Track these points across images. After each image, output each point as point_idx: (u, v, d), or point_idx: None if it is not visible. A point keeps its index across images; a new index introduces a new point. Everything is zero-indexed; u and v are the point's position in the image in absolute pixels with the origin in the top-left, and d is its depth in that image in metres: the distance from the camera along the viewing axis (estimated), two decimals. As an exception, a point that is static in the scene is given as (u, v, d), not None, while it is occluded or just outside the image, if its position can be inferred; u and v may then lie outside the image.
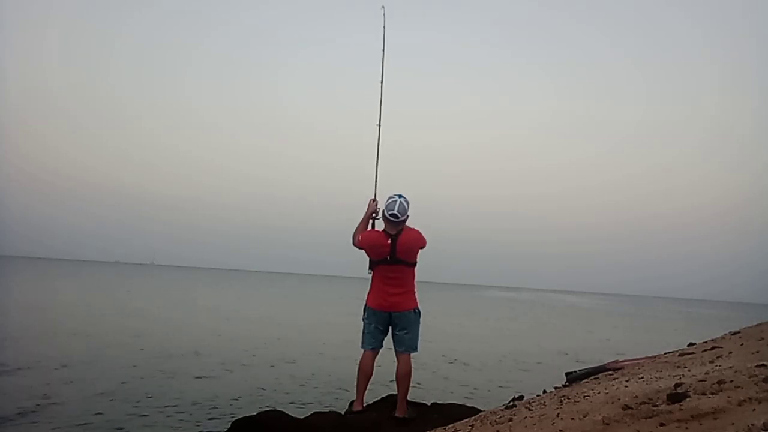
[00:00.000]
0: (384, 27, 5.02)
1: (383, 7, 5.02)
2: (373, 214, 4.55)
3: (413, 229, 4.39)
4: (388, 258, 4.29)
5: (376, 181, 4.68)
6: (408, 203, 4.37)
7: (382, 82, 4.90)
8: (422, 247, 4.41)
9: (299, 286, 59.39)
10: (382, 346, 4.44)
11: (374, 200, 4.60)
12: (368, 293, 4.44)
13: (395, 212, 4.28)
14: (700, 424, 1.96)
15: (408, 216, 4.38)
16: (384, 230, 4.39)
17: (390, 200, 4.34)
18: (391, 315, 4.34)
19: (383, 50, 4.95)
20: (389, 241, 4.29)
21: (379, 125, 4.79)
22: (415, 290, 4.44)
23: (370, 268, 4.39)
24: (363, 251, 4.41)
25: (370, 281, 4.43)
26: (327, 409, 4.52)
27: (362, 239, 4.41)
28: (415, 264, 4.39)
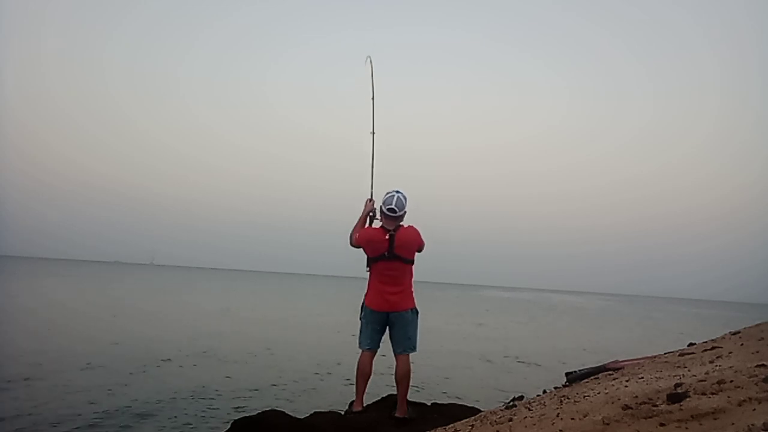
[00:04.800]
0: (372, 76, 4.88)
1: (369, 57, 4.89)
2: (370, 213, 4.56)
3: (412, 227, 4.39)
4: (386, 254, 4.29)
5: (372, 181, 4.69)
6: (406, 198, 4.38)
7: (373, 98, 4.85)
8: (420, 248, 4.41)
9: (298, 286, 59.38)
10: (379, 346, 4.43)
11: (371, 200, 4.61)
12: (366, 293, 4.43)
13: (393, 207, 4.30)
14: (700, 424, 1.96)
15: (406, 211, 4.39)
16: (382, 226, 4.40)
17: (388, 195, 4.36)
18: (389, 315, 4.33)
19: (372, 99, 4.83)
20: (387, 237, 4.29)
21: (373, 133, 4.81)
22: (413, 289, 4.44)
23: (367, 265, 4.38)
24: (361, 250, 4.40)
25: (367, 280, 4.42)
26: (327, 409, 4.51)
27: (360, 235, 4.41)
28: (412, 262, 4.38)
